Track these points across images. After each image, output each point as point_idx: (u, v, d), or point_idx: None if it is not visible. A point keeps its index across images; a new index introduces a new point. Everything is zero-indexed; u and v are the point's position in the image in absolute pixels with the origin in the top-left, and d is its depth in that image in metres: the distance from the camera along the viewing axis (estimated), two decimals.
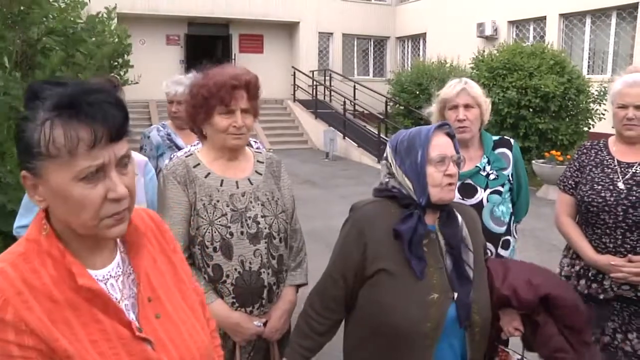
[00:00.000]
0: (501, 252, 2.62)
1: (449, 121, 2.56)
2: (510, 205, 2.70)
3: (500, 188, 2.65)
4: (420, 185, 1.84)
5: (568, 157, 10.01)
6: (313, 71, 19.58)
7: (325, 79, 19.26)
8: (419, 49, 20.89)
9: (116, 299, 1.18)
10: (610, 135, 2.77)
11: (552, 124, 10.78)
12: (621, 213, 2.50)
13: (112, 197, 1.10)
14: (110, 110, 1.09)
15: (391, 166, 1.93)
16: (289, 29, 20.54)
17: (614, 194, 2.53)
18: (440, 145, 1.85)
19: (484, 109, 2.68)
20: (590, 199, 2.58)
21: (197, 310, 1.37)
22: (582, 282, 2.66)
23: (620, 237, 2.52)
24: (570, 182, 2.74)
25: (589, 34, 14.60)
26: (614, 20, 13.93)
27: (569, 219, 2.74)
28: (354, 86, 17.51)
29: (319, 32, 20.46)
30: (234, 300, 2.13)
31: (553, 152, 10.10)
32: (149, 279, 1.26)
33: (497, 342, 2.07)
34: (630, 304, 2.57)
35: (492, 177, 2.67)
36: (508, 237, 2.65)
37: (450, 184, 1.85)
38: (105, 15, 4.78)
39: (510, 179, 2.70)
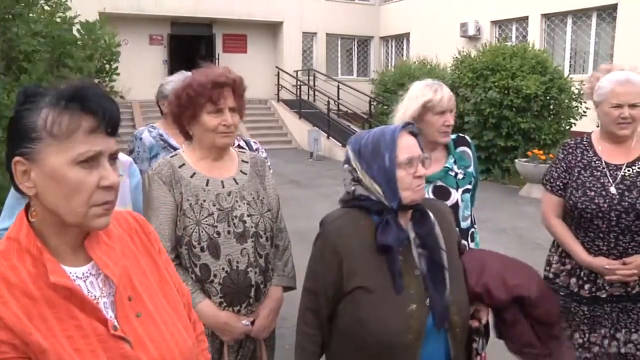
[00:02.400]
0: (471, 245, 2.69)
1: (434, 125, 2.61)
2: (472, 201, 2.79)
3: (469, 186, 2.73)
4: (390, 189, 1.79)
5: (551, 155, 10.10)
6: (297, 71, 19.58)
7: (309, 78, 19.27)
8: (402, 48, 20.97)
9: (95, 297, 1.20)
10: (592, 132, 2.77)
11: (535, 123, 10.88)
12: (614, 218, 2.51)
13: (105, 184, 1.16)
14: (109, 105, 1.18)
15: (356, 171, 1.86)
16: (272, 28, 20.52)
17: (607, 200, 2.52)
18: (408, 146, 1.81)
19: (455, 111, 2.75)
20: (584, 206, 2.56)
21: (181, 311, 1.37)
22: (573, 280, 2.67)
23: (613, 240, 2.53)
24: (558, 183, 2.71)
25: (571, 34, 14.77)
26: (594, 21, 14.09)
27: (559, 221, 2.73)
28: (338, 86, 17.53)
29: (303, 32, 20.46)
30: (222, 300, 2.14)
31: (535, 150, 10.19)
32: (130, 278, 1.27)
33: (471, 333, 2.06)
34: (620, 301, 2.59)
35: (460, 176, 2.72)
36: (473, 229, 2.76)
37: (418, 186, 1.81)
38: (98, 23, 4.73)
39: (474, 175, 2.78)
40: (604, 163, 2.62)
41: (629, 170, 2.57)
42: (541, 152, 10.12)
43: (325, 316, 1.90)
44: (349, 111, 17.28)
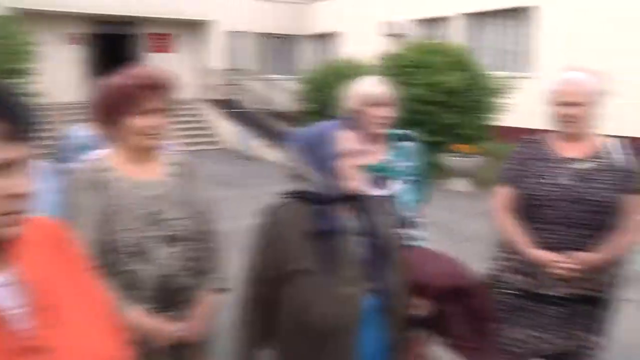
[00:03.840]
0: (413, 235, 2.82)
1: (371, 117, 2.77)
2: (416, 193, 2.92)
3: (407, 178, 2.87)
4: (330, 179, 1.88)
5: (474, 149, 10.50)
6: (225, 70, 19.36)
7: (237, 78, 19.09)
8: (330, 47, 21.10)
9: (5, 308, 1.13)
10: (514, 128, 2.88)
11: (458, 119, 11.19)
12: (564, 207, 2.56)
13: (14, 192, 1.09)
14: (23, 110, 1.12)
15: (297, 164, 1.96)
16: (199, 27, 20.19)
17: (558, 189, 2.58)
18: (346, 139, 1.91)
19: (396, 107, 2.88)
20: (534, 193, 2.62)
21: (102, 320, 1.32)
22: (519, 276, 2.71)
23: (561, 232, 2.58)
24: (511, 175, 2.77)
25: (490, 33, 15.36)
26: (511, 21, 14.71)
27: (507, 213, 2.76)
28: (267, 85, 17.45)
29: (230, 31, 20.25)
30: (152, 305, 2.09)
31: (460, 145, 10.51)
32: (45, 287, 1.20)
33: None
34: (565, 305, 2.64)
35: (399, 168, 2.87)
36: (417, 221, 2.89)
37: (357, 176, 1.91)
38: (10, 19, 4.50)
39: (415, 168, 2.93)
40: (558, 156, 2.69)
41: (581, 164, 2.63)
42: (465, 146, 10.46)
43: (265, 304, 1.95)
44: (278, 110, 17.24)
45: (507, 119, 11.53)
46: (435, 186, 10.54)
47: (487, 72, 11.87)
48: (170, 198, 2.17)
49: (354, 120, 2.02)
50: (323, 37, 21.50)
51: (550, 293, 2.64)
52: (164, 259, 2.09)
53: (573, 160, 2.65)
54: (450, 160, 10.38)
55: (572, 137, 2.68)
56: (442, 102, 11.05)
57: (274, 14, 20.98)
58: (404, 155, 2.92)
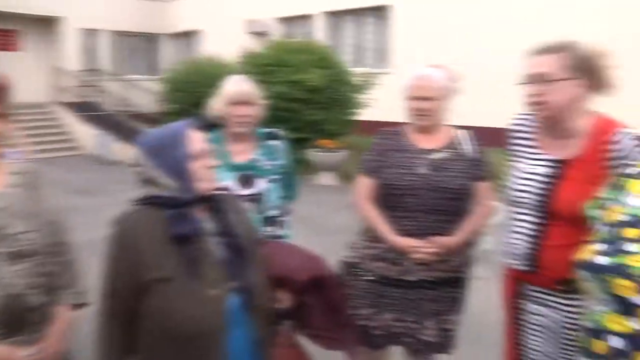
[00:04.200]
0: (279, 232, 2.91)
1: (235, 117, 2.83)
2: (282, 191, 2.98)
3: (275, 176, 2.92)
4: (183, 182, 1.86)
5: (338, 144, 10.81)
6: (80, 71, 18.31)
7: (94, 79, 18.11)
8: (192, 46, 20.69)
9: None
10: (375, 122, 2.97)
11: (322, 115, 11.40)
12: (423, 195, 2.67)
13: None
14: None
15: (147, 170, 1.91)
16: (49, 24, 18.87)
17: (417, 178, 2.69)
18: (197, 140, 1.90)
19: (260, 106, 2.94)
20: (394, 182, 2.72)
21: None
22: (381, 264, 2.79)
23: (420, 219, 2.69)
24: (371, 165, 2.84)
25: (350, 30, 15.91)
26: (370, 19, 15.33)
27: (369, 203, 2.84)
28: (126, 86, 16.77)
29: (85, 28, 19.16)
30: None
31: (324, 140, 10.75)
32: None
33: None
34: (427, 287, 2.77)
35: (267, 167, 2.91)
36: (284, 219, 2.98)
37: (210, 176, 1.92)
38: None
39: (282, 166, 2.98)
40: (415, 147, 2.80)
41: (436, 155, 2.76)
42: (329, 141, 10.71)
43: (124, 315, 1.89)
44: (139, 112, 16.60)
45: (369, 113, 11.96)
46: (302, 182, 10.70)
47: (348, 69, 12.23)
48: (12, 211, 1.99)
49: (201, 121, 1.99)
50: (185, 36, 21.03)
51: (412, 278, 2.76)
52: (9, 278, 1.91)
53: (429, 150, 2.78)
54: (315, 155, 10.60)
55: (427, 129, 2.81)
56: (304, 99, 11.21)
57: (132, 11, 20.13)
58: (270, 154, 2.97)
